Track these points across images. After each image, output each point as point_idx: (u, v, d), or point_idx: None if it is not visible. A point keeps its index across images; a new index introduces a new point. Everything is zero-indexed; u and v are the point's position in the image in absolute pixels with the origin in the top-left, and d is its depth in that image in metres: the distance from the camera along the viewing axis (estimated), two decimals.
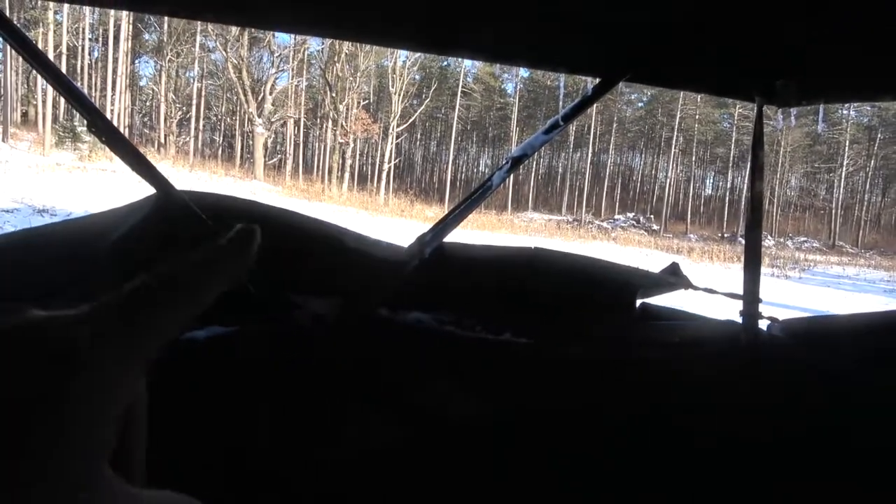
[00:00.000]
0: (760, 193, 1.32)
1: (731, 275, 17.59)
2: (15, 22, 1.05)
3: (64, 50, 28.29)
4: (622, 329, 1.29)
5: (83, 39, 32.31)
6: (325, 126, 37.32)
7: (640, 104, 49.15)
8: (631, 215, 38.75)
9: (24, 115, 30.27)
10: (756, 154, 1.32)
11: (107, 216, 1.16)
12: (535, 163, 52.71)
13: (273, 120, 32.86)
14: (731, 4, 0.92)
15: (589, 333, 1.26)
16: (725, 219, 42.27)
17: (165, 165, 22.80)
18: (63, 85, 1.08)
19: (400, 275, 1.20)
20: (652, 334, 1.30)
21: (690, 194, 46.76)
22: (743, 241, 1.38)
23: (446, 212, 1.30)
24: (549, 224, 30.05)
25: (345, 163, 33.09)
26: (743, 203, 40.58)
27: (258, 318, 1.11)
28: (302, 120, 38.36)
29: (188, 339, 1.04)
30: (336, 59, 32.09)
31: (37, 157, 19.28)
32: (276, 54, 33.30)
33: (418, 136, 52.30)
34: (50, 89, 27.13)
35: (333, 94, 32.83)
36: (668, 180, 45.21)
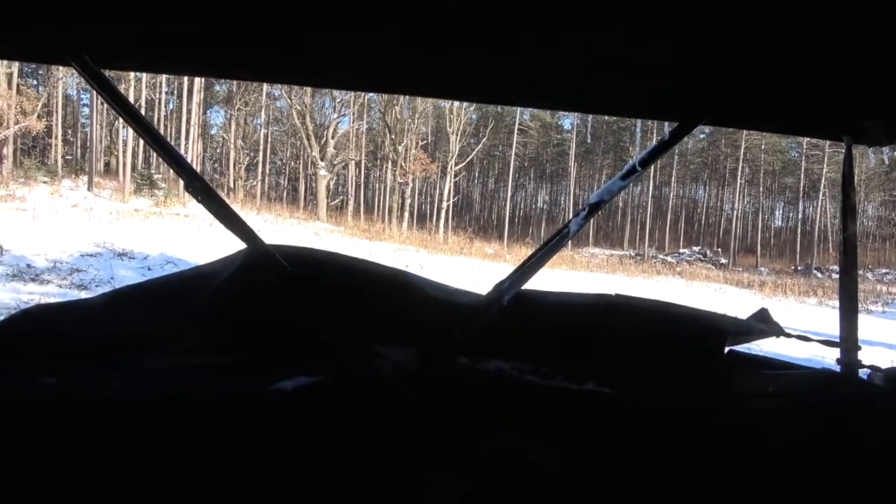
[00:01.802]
0: (854, 235, 1.27)
1: (808, 310, 16.74)
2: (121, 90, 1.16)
3: (143, 103, 30.18)
4: (711, 379, 1.22)
5: (160, 93, 34.47)
6: (384, 167, 38.19)
7: (701, 135, 48.21)
8: (696, 249, 37.63)
9: (107, 164, 32.32)
10: (847, 194, 1.27)
11: (201, 270, 1.24)
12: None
13: (335, 163, 33.91)
14: (814, 45, 0.88)
15: (675, 383, 1.20)
16: (798, 251, 40.47)
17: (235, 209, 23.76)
18: (164, 148, 1.19)
19: (479, 323, 1.19)
20: (743, 384, 1.22)
21: (759, 226, 45.12)
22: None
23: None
24: (610, 259, 29.53)
25: (404, 202, 33.67)
26: (833, 244, 38.81)
27: (341, 368, 1.13)
28: (363, 162, 39.41)
29: (276, 390, 1.07)
30: (395, 101, 33.00)
31: (118, 203, 20.50)
32: (338, 99, 34.55)
33: (476, 174, 52.77)
34: (130, 141, 28.99)
35: (393, 136, 33.67)
36: (735, 212, 43.84)
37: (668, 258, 34.21)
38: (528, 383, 1.16)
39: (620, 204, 48.36)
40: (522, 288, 1.23)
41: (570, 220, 1.29)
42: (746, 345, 1.32)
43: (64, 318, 1.13)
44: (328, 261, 1.24)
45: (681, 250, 37.67)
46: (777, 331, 1.27)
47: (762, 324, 1.28)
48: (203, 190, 1.15)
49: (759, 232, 44.53)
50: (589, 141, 47.69)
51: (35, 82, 34.25)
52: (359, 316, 1.18)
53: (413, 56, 1.12)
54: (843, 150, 1.29)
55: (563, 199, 52.30)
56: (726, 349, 1.26)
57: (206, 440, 1.03)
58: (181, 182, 1.21)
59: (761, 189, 46.29)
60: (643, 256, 34.53)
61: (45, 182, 24.20)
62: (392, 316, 1.19)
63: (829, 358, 1.34)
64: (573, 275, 18.72)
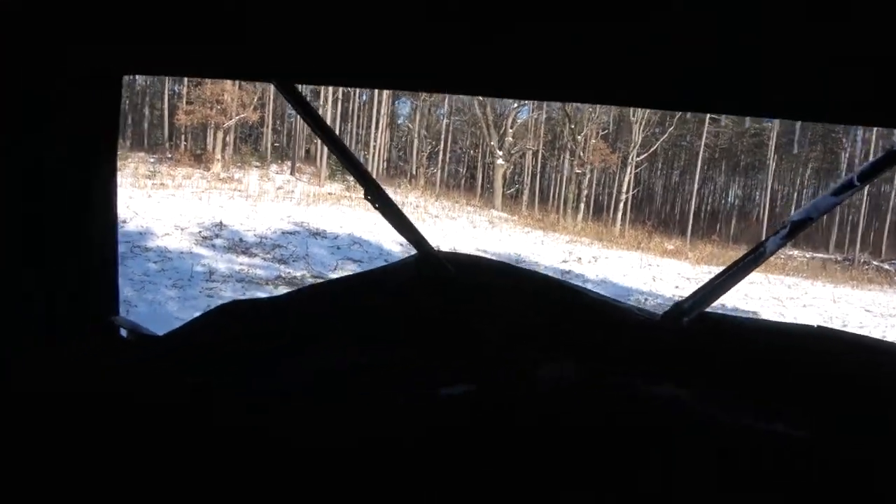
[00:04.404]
0: None
1: None
2: (309, 102, 1.31)
3: (340, 96, 32.71)
4: None
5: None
6: (562, 157, 37.64)
7: None
8: None
9: (307, 151, 35.55)
10: None
11: (378, 272, 1.35)
12: (793, 192, 47.05)
13: (512, 152, 34.15)
14: None
15: (879, 433, 1.03)
16: None
17: (416, 195, 24.98)
18: (348, 159, 1.32)
19: (653, 344, 1.11)
20: None
21: None
22: None
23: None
24: (812, 263, 26.45)
25: (580, 193, 32.98)
26: None
27: (500, 379, 1.13)
28: (540, 151, 39.23)
29: (433, 396, 1.10)
30: None
31: (314, 187, 22.53)
32: None
33: (659, 165, 50.03)
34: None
35: (572, 126, 33.04)
36: None
37: (885, 265, 29.82)
38: (707, 415, 1.05)
39: None
40: (706, 310, 1.12)
41: (766, 239, 1.14)
42: None
43: (255, 313, 1.28)
44: (495, 269, 1.26)
45: None
46: None
47: None
48: (380, 198, 1.25)
49: None
50: (795, 131, 42.92)
51: None
52: (522, 327, 1.16)
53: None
54: None
55: (757, 194, 47.77)
56: None
57: (367, 437, 1.07)
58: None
59: None
60: (853, 262, 30.45)
61: (256, 166, 27.30)
62: (557, 330, 1.16)
63: None
64: (763, 277, 17.08)
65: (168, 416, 1.11)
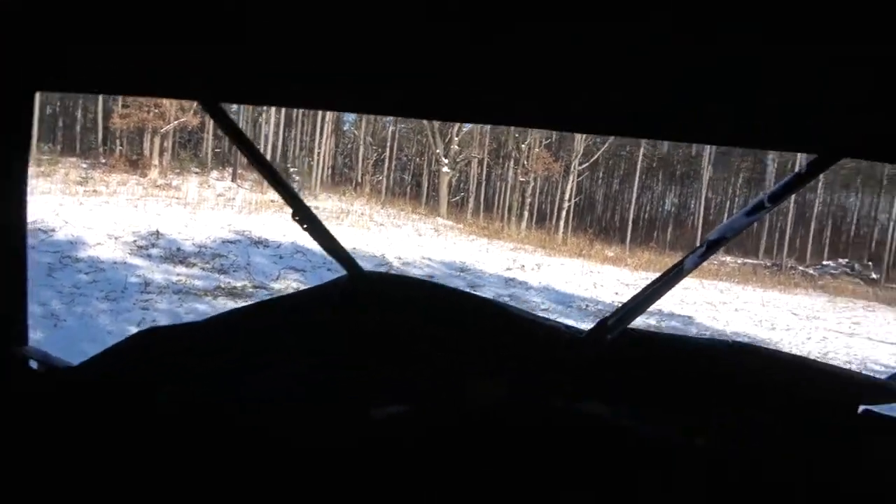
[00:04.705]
0: None
1: None
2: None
3: None
4: (841, 445, 1.07)
5: None
6: (506, 165, 38.15)
7: None
8: (843, 261, 34.29)
9: None
10: None
11: (305, 295, 1.33)
12: (726, 200, 49.06)
13: (458, 160, 34.39)
14: None
15: (795, 446, 1.07)
16: None
17: (361, 203, 24.80)
18: (274, 178, 1.31)
19: (578, 361, 1.14)
20: (879, 452, 1.06)
21: None
22: None
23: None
24: (742, 268, 27.63)
25: (524, 201, 33.50)
26: None
27: (432, 399, 1.13)
28: (485, 160, 39.65)
29: (366, 418, 1.10)
30: None
31: (257, 194, 22.05)
32: None
33: (600, 174, 51.34)
34: (271, 136, 31.11)
35: (516, 135, 33.57)
36: (893, 222, 39.47)
37: (810, 270, 31.44)
38: (627, 430, 1.08)
39: None
40: (629, 326, 1.15)
41: (685, 257, 1.19)
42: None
43: (179, 337, 1.25)
44: (427, 289, 1.27)
45: (824, 262, 34.50)
46: None
47: None
48: (309, 219, 1.25)
49: None
50: None
51: None
52: (454, 347, 1.18)
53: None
54: None
55: (692, 202, 49.62)
56: (860, 409, 1.10)
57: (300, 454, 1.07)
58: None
59: None
60: (780, 267, 31.99)
61: (196, 172, 26.55)
62: (486, 349, 1.18)
63: None
64: (697, 283, 17.74)
65: (81, 447, 1.08)
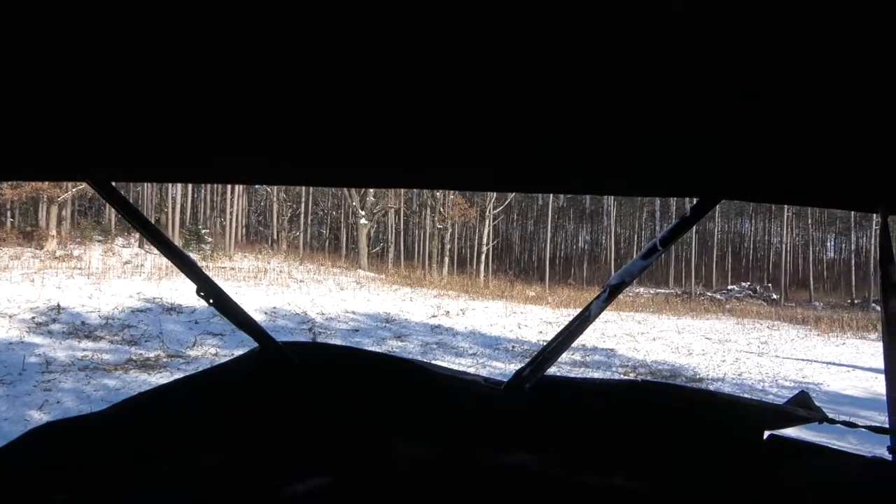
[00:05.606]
0: None
1: (869, 346, 15.97)
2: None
3: None
4: (750, 471, 1.12)
5: None
6: (423, 213, 38.57)
7: None
8: (746, 285, 36.53)
9: (157, 220, 33.52)
10: (886, 270, 1.18)
11: (212, 373, 1.26)
12: (633, 234, 51.45)
13: (375, 211, 34.45)
14: (842, 115, 0.79)
15: (711, 476, 1.12)
16: (854, 283, 38.90)
17: (278, 261, 24.23)
18: (175, 254, 1.25)
19: (500, 414, 1.16)
20: (784, 477, 1.12)
21: (811, 259, 43.64)
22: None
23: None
24: (656, 298, 28.86)
25: (444, 248, 33.85)
26: (880, 316, 37.29)
27: (356, 466, 1.11)
28: (402, 209, 39.95)
29: (289, 493, 1.05)
30: None
31: (167, 259, 21.16)
32: None
33: (515, 216, 52.81)
34: (179, 198, 30.07)
35: None
36: (784, 245, 42.59)
37: (717, 295, 33.27)
38: (553, 478, 1.10)
39: None
40: (545, 374, 1.19)
41: (590, 304, 1.24)
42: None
43: (75, 432, 1.14)
44: (342, 356, 1.25)
45: (729, 287, 36.63)
46: (819, 416, 1.19)
47: (803, 409, 1.20)
48: (215, 294, 1.20)
49: (811, 265, 43.03)
50: None
51: None
52: (374, 411, 1.17)
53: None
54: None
55: (603, 238, 51.75)
56: (766, 434, 1.17)
57: None
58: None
59: (810, 221, 44.98)
60: (690, 294, 33.66)
61: (100, 240, 25.23)
62: (409, 410, 1.17)
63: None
64: (617, 316, 18.35)
65: None
